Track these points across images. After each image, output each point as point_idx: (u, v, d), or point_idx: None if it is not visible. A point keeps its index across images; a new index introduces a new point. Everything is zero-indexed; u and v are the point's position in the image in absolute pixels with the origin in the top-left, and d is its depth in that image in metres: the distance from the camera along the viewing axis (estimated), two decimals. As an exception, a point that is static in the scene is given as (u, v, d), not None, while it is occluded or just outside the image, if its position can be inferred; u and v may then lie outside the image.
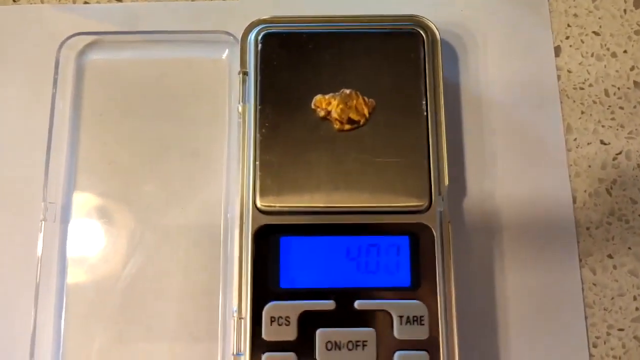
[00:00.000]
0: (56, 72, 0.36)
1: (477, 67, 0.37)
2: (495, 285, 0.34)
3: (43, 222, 0.34)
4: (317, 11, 0.37)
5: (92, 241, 0.35)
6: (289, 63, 0.34)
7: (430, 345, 0.30)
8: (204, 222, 0.35)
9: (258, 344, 0.30)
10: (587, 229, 0.35)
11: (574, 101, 0.37)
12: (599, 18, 0.39)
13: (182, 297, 0.34)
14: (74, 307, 0.34)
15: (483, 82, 0.37)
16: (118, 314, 0.33)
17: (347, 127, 0.32)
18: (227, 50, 0.37)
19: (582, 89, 0.37)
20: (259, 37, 0.34)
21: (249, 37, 0.34)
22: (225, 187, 0.35)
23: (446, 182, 0.32)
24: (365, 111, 0.32)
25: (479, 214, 0.35)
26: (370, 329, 0.31)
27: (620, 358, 0.34)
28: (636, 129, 0.37)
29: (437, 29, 0.34)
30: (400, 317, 0.31)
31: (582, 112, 0.37)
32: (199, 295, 0.34)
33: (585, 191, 0.36)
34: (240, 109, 0.33)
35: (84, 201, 0.35)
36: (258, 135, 0.32)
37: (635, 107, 0.37)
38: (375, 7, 0.38)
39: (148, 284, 0.34)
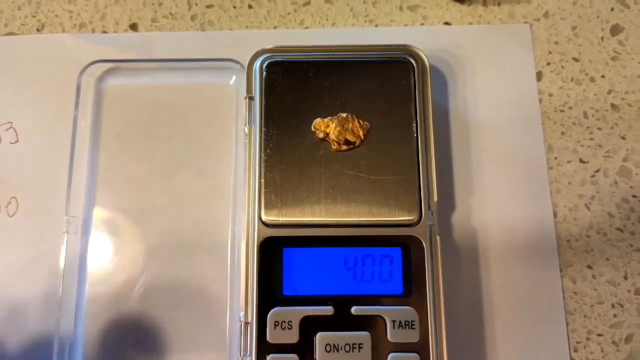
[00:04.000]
0: (77, 96, 0.37)
1: (465, 91, 0.39)
2: (482, 293, 0.35)
3: (66, 234, 0.35)
4: (316, 42, 0.39)
5: (110, 252, 0.36)
6: (291, 89, 0.35)
7: (421, 347, 0.32)
8: (213, 235, 0.36)
9: (263, 347, 0.32)
10: (568, 241, 0.37)
11: (555, 122, 0.39)
12: (579, 45, 0.40)
13: (193, 305, 0.35)
14: (92, 316, 0.35)
15: (471, 105, 0.39)
16: (134, 322, 0.35)
17: (343, 147, 0.34)
18: (234, 77, 0.39)
19: (562, 111, 0.39)
20: (264, 65, 0.36)
21: (254, 65, 0.36)
22: (232, 202, 0.36)
23: (435, 198, 0.33)
24: (361, 133, 0.34)
25: (466, 228, 0.36)
26: (366, 332, 0.32)
27: (598, 361, 0.35)
28: (613, 149, 0.38)
29: (426, 57, 0.36)
30: (394, 321, 0.32)
31: (563, 133, 0.38)
32: (209, 304, 0.35)
33: (565, 206, 0.37)
34: (246, 130, 0.35)
35: (102, 215, 0.37)
36: (263, 154, 0.34)
37: (612, 128, 0.38)
38: (371, 38, 0.40)
39: (162, 293, 0.35)
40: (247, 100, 0.36)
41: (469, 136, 0.38)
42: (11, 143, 0.38)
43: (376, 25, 0.40)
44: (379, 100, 0.35)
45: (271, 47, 0.36)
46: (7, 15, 0.41)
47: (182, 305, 0.35)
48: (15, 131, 0.38)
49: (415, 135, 0.35)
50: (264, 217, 0.33)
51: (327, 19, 0.41)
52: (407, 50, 0.36)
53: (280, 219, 0.33)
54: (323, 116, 0.35)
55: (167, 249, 0.36)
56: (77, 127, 0.37)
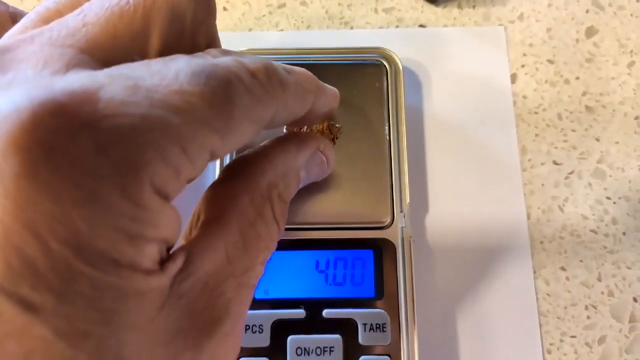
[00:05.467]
0: None
1: (439, 93, 0.39)
2: (454, 295, 0.35)
3: None
4: (292, 44, 0.39)
5: None
6: None
7: (392, 350, 0.32)
8: None
9: (234, 350, 0.32)
10: (541, 242, 0.37)
11: (529, 125, 0.39)
12: (553, 47, 0.41)
13: None
14: None
15: (445, 107, 0.39)
16: None
17: None
18: None
19: (536, 113, 0.39)
20: None
21: None
22: None
23: (407, 200, 0.34)
24: (333, 136, 0.35)
25: (440, 230, 0.36)
26: (337, 335, 0.32)
27: (570, 363, 0.35)
28: (587, 150, 0.38)
29: (399, 59, 0.36)
30: (365, 324, 0.32)
31: (537, 135, 0.39)
32: None
33: (539, 208, 0.37)
34: None
35: None
36: (234, 155, 0.34)
37: (586, 129, 0.39)
38: (346, 41, 0.40)
39: None
40: (219, 103, 0.36)
41: (443, 138, 0.38)
42: None
43: (351, 28, 0.40)
44: (352, 103, 0.35)
45: (245, 49, 0.36)
46: None
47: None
48: None
49: (387, 137, 0.35)
50: (236, 220, 0.33)
51: (302, 22, 0.41)
52: (380, 52, 0.37)
53: (252, 222, 0.33)
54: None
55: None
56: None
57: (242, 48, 0.36)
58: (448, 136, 0.38)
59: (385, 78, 0.36)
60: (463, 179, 0.38)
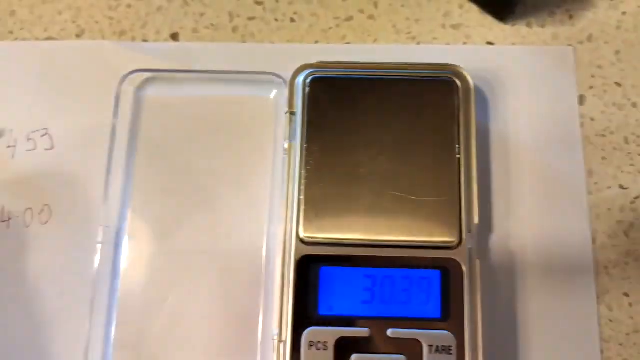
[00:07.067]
0: (117, 105, 0.37)
1: (505, 112, 0.38)
2: (517, 318, 0.35)
3: (100, 244, 0.35)
4: (358, 58, 0.38)
5: (142, 264, 0.36)
6: (334, 105, 0.35)
7: None
8: (247, 249, 0.36)
9: (298, 366, 0.31)
10: (605, 267, 0.36)
11: (596, 147, 0.38)
12: (622, 70, 0.40)
13: (225, 319, 0.35)
14: (123, 324, 0.35)
15: (511, 126, 0.38)
16: (165, 333, 0.35)
17: None
18: (275, 91, 0.38)
19: (603, 136, 0.38)
20: (307, 80, 0.35)
21: (297, 80, 0.36)
22: (268, 217, 0.36)
23: (476, 220, 0.33)
24: None
25: (504, 251, 0.36)
26: (402, 356, 0.32)
27: (633, 390, 0.34)
28: None
29: (471, 78, 0.36)
30: (430, 346, 0.31)
31: (603, 158, 0.38)
32: (241, 319, 0.35)
33: (604, 232, 0.37)
34: (286, 146, 0.35)
35: (136, 225, 0.36)
36: (303, 171, 0.34)
37: None
38: (413, 56, 0.39)
39: (193, 307, 0.35)
40: (287, 115, 0.36)
41: (508, 158, 0.38)
42: (46, 150, 0.38)
43: (418, 43, 0.40)
44: (422, 119, 0.35)
45: (315, 62, 0.36)
46: (47, 19, 0.41)
47: (213, 320, 0.35)
48: (50, 138, 0.38)
49: (457, 156, 0.34)
50: (302, 235, 0.33)
51: (369, 35, 0.40)
52: (451, 69, 0.36)
53: (319, 236, 0.33)
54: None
55: (200, 261, 0.36)
56: (115, 135, 0.37)
57: (308, 60, 0.36)
58: (513, 156, 0.38)
59: (456, 95, 0.35)
60: (528, 200, 0.37)
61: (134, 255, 0.36)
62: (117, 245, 0.36)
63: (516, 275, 0.36)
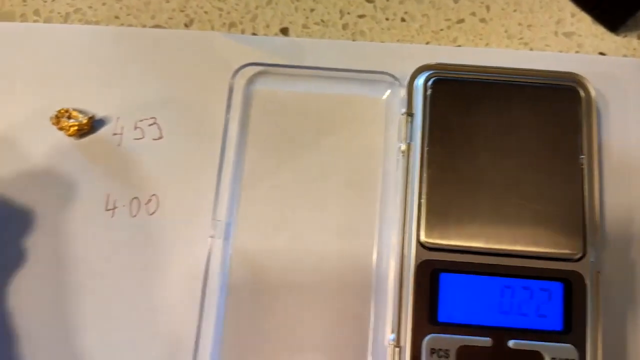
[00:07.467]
0: (230, 98, 0.37)
1: (616, 124, 0.38)
2: (636, 333, 0.34)
3: (211, 238, 0.35)
4: (469, 61, 0.37)
5: (250, 259, 0.35)
6: (455, 108, 0.35)
7: None
8: (358, 251, 0.35)
9: (418, 373, 0.31)
10: None
11: None
12: None
13: (334, 320, 0.34)
14: (232, 318, 0.34)
15: (622, 138, 0.38)
16: (273, 330, 0.34)
17: None
18: (388, 91, 0.38)
19: None
20: (429, 82, 0.35)
21: (416, 81, 0.35)
22: (378, 217, 0.35)
23: (599, 233, 0.33)
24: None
25: (619, 265, 0.35)
26: None
27: None
28: None
29: (592, 87, 0.35)
30: (553, 359, 0.31)
31: None
32: (349, 320, 0.34)
33: None
34: (403, 147, 0.34)
35: (245, 220, 0.36)
36: (425, 174, 0.33)
37: None
38: (524, 61, 0.39)
39: (303, 304, 0.34)
40: (404, 117, 0.35)
41: (620, 170, 0.37)
42: (154, 139, 0.37)
43: (530, 49, 0.40)
44: (545, 126, 0.35)
45: (434, 63, 0.36)
46: (154, 7, 0.40)
47: (325, 320, 0.34)
48: (159, 127, 0.38)
49: (581, 167, 0.34)
50: (422, 239, 0.33)
51: (480, 39, 0.40)
52: (575, 78, 0.36)
53: (440, 242, 0.33)
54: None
55: (309, 259, 0.35)
56: (227, 129, 0.36)
57: (419, 61, 0.36)
58: (625, 168, 0.37)
59: (579, 104, 0.35)
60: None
61: (242, 250, 0.35)
62: (226, 240, 0.35)
63: (629, 289, 0.35)
